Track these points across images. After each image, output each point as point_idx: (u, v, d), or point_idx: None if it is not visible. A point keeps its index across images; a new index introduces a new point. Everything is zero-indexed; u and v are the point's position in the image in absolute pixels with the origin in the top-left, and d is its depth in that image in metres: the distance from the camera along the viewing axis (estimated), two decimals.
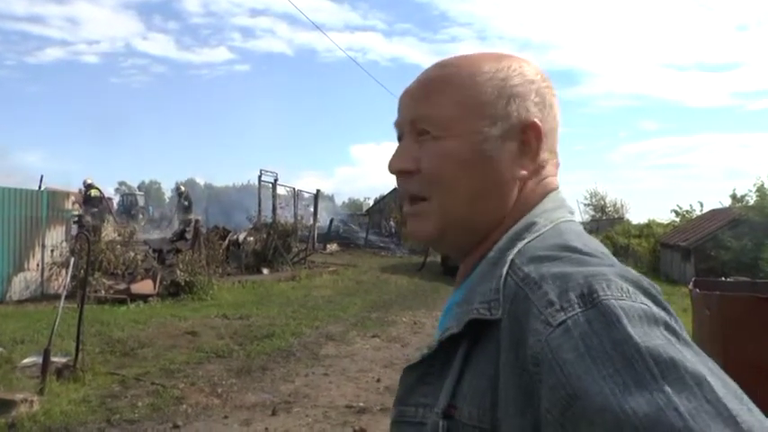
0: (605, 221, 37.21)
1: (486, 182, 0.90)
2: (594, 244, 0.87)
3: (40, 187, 15.43)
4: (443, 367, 0.83)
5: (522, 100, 0.92)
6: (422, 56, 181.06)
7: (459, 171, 0.90)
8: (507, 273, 0.81)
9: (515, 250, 0.84)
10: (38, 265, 13.71)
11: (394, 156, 0.96)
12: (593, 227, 33.47)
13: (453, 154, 0.90)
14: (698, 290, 6.19)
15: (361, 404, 6.47)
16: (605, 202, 44.45)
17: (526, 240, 0.86)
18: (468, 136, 0.90)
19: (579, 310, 0.70)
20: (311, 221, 24.35)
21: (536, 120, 0.92)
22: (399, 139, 0.99)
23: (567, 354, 0.68)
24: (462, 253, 0.97)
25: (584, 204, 43.25)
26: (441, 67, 0.97)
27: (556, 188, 0.97)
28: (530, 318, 0.73)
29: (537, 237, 0.86)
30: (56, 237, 14.15)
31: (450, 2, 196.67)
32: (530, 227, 0.88)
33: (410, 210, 0.96)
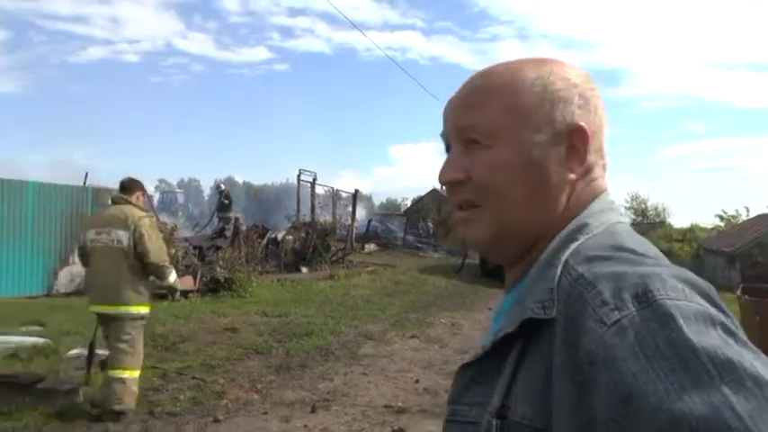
0: (646, 225, 36.53)
1: (538, 188, 0.91)
2: (648, 245, 0.87)
3: (84, 183, 15.71)
4: (496, 367, 0.83)
5: (567, 104, 0.92)
6: (461, 55, 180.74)
7: (510, 179, 0.90)
8: (561, 273, 0.81)
9: (568, 251, 0.84)
10: None
11: (444, 166, 0.97)
12: (636, 231, 32.91)
13: (503, 162, 0.91)
14: (747, 296, 6.05)
15: (400, 404, 6.44)
16: (646, 206, 43.79)
17: (579, 241, 0.86)
18: (517, 144, 0.91)
19: (634, 309, 0.70)
20: (349, 221, 24.37)
21: (582, 123, 0.92)
22: (447, 149, 0.99)
23: (621, 353, 0.67)
24: (512, 259, 0.97)
25: (625, 207, 42.63)
26: (484, 76, 0.97)
27: (605, 190, 0.96)
28: (584, 317, 0.73)
29: (590, 238, 0.86)
30: None
31: None
32: (582, 228, 0.88)
33: (462, 215, 0.95)
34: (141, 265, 5.65)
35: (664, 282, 0.72)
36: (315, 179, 23.64)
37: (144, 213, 5.91)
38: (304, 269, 18.12)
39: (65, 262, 13.65)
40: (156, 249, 5.71)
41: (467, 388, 0.87)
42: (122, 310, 5.57)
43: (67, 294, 13.05)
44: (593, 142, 0.93)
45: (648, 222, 38.84)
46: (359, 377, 7.45)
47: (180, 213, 37.68)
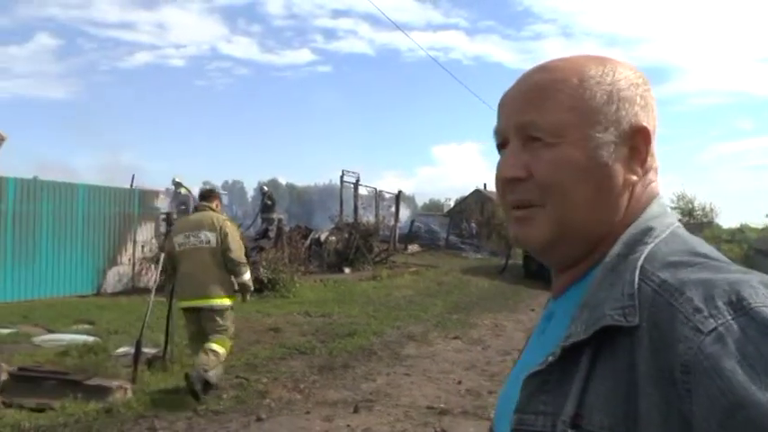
0: (693, 225, 35.62)
1: (602, 188, 0.89)
2: (716, 251, 0.86)
3: (131, 186, 16.06)
4: (563, 374, 0.81)
5: (630, 104, 0.90)
6: (505, 54, 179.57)
7: (576, 178, 0.88)
8: (640, 278, 0.79)
9: (642, 255, 0.82)
10: (129, 259, 14.31)
11: (503, 163, 0.93)
12: None
13: (569, 161, 0.88)
14: None
15: (443, 405, 6.40)
16: (693, 206, 42.79)
17: (650, 245, 0.84)
18: (583, 142, 0.88)
19: (730, 317, 0.69)
20: (392, 222, 24.39)
21: (645, 124, 0.90)
22: (500, 146, 0.96)
23: (724, 362, 0.67)
24: (569, 261, 0.94)
25: (671, 207, 41.54)
26: (545, 71, 0.93)
27: (659, 193, 0.95)
28: (675, 325, 0.72)
29: (660, 242, 0.85)
30: (146, 233, 14.75)
31: None
32: (648, 232, 0.86)
33: (520, 214, 0.92)
34: (222, 264, 6.39)
35: (755, 289, 0.71)
36: (358, 180, 23.72)
37: (226, 217, 6.91)
38: (347, 270, 18.19)
39: (113, 262, 13.97)
40: (237, 248, 6.50)
41: (533, 396, 0.84)
42: (214, 302, 6.32)
43: (115, 294, 13.35)
44: (652, 144, 0.92)
45: (695, 222, 37.94)
46: (401, 378, 7.44)
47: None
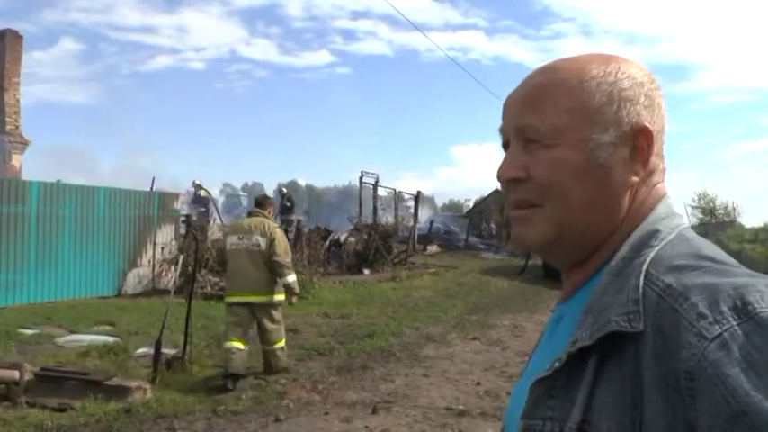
0: (714, 225, 35.11)
1: (600, 190, 0.88)
2: (722, 252, 0.85)
3: (151, 188, 16.19)
4: (569, 380, 0.81)
5: (633, 104, 0.89)
6: (524, 53, 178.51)
7: (573, 179, 0.87)
8: (645, 283, 0.78)
9: (647, 259, 0.81)
10: (149, 261, 14.42)
11: (503, 164, 0.93)
12: (702, 231, 31.46)
13: (566, 162, 0.87)
14: None
15: (461, 407, 6.39)
16: (715, 205, 42.17)
17: (655, 249, 0.83)
18: (581, 143, 0.87)
19: (735, 322, 0.68)
20: (411, 223, 24.35)
21: (647, 124, 0.89)
22: (504, 145, 0.96)
23: (728, 368, 0.66)
24: (570, 261, 0.94)
25: (692, 207, 40.91)
26: (546, 71, 0.93)
27: (665, 194, 0.93)
28: (679, 330, 0.71)
29: (665, 245, 0.84)
30: (166, 235, 14.85)
31: None
32: (653, 235, 0.86)
33: (519, 214, 0.92)
34: (269, 265, 7.12)
35: (761, 293, 0.70)
36: (377, 181, 23.72)
37: (276, 225, 7.83)
38: (366, 271, 18.20)
39: (133, 264, 14.08)
40: (283, 253, 7.22)
41: (540, 402, 0.84)
42: (266, 298, 7.14)
43: (135, 295, 13.45)
44: (656, 144, 0.90)
45: (717, 222, 37.39)
46: (420, 379, 7.43)
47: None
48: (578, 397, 0.78)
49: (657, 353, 0.72)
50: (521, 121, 0.92)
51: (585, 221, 0.89)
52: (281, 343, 7.32)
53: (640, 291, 0.77)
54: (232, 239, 7.30)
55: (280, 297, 7.25)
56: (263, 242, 7.11)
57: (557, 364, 0.82)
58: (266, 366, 7.26)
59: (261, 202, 7.80)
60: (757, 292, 0.70)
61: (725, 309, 0.69)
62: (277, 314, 7.25)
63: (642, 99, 0.90)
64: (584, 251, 0.91)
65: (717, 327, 0.69)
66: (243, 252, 7.12)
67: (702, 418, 0.66)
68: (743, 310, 0.69)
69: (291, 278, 7.23)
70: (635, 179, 0.89)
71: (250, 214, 7.76)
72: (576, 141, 0.87)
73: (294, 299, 7.45)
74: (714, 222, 36.99)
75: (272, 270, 7.11)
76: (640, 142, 0.88)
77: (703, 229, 32.79)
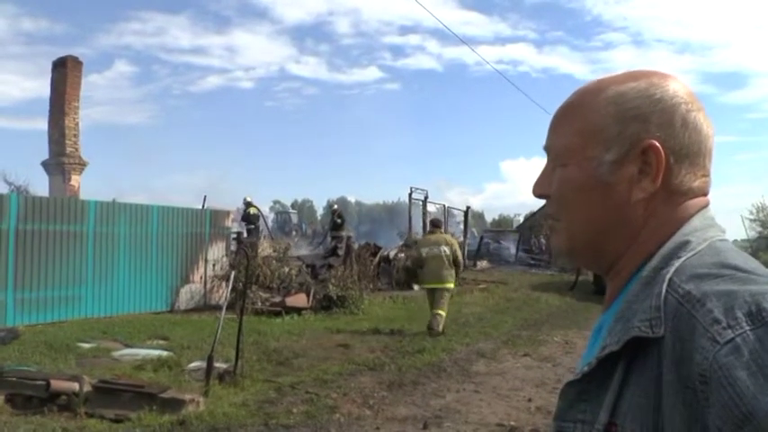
0: None
1: (603, 206, 0.92)
2: (754, 262, 0.85)
3: (203, 206, 16.49)
4: (600, 384, 0.84)
5: (642, 122, 0.91)
6: (574, 65, 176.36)
7: (577, 196, 0.94)
8: (667, 291, 0.81)
9: (672, 269, 0.84)
10: (201, 277, 14.67)
11: (535, 181, 1.03)
12: (762, 245, 30.57)
13: (571, 180, 0.95)
14: None
15: (512, 423, 6.30)
16: None
17: (682, 259, 0.85)
18: (585, 162, 0.93)
19: (748, 328, 0.70)
20: (461, 238, 24.26)
21: (654, 141, 0.89)
22: None
23: (738, 372, 0.68)
24: (595, 270, 1.03)
25: (750, 220, 39.71)
26: (576, 92, 1.00)
27: (704, 206, 0.94)
28: (695, 335, 0.73)
29: (693, 255, 0.86)
30: (217, 252, 15.10)
31: (604, 5, 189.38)
32: (683, 245, 0.87)
33: (550, 224, 1.02)
34: (451, 264, 11.24)
35: None
36: (426, 197, 23.76)
37: (452, 237, 13.07)
38: (416, 287, 18.14)
39: (185, 280, 14.34)
40: (459, 255, 11.66)
41: (572, 405, 0.88)
42: (445, 285, 11.20)
43: (188, 311, 13.69)
44: (676, 159, 0.90)
45: None
46: (471, 395, 7.36)
47: (294, 233, 38.75)
48: (606, 400, 0.82)
49: (676, 357, 0.74)
50: (547, 143, 1.02)
51: (593, 235, 0.94)
52: (445, 311, 11.06)
53: (662, 298, 0.80)
54: (425, 249, 11.29)
55: (452, 285, 11.40)
56: (447, 249, 11.16)
57: (586, 369, 0.86)
58: (429, 325, 10.88)
59: (436, 224, 12.59)
60: None
61: (739, 314, 0.71)
62: (447, 295, 11.21)
63: (656, 117, 0.91)
64: (599, 261, 0.97)
65: (729, 331, 0.70)
66: (434, 257, 11.09)
67: (714, 421, 0.68)
68: (757, 315, 0.70)
69: (461, 270, 12.14)
70: (641, 196, 0.90)
71: (432, 232, 12.02)
72: (581, 160, 0.94)
73: (458, 280, 12.52)
74: None
75: (451, 268, 11.17)
76: (649, 160, 0.90)
77: (764, 242, 31.74)
